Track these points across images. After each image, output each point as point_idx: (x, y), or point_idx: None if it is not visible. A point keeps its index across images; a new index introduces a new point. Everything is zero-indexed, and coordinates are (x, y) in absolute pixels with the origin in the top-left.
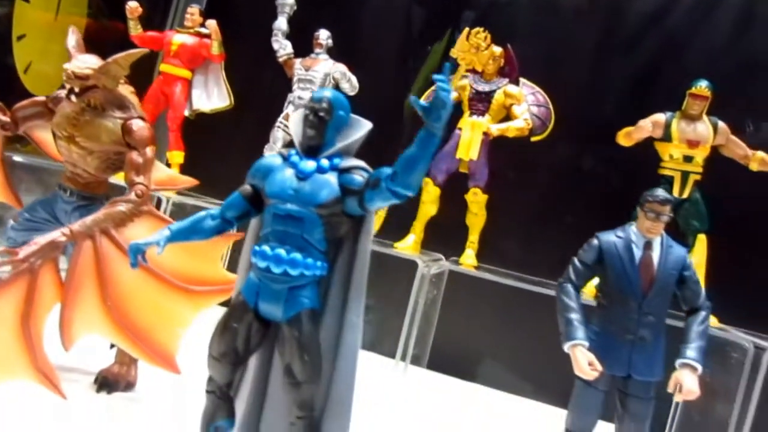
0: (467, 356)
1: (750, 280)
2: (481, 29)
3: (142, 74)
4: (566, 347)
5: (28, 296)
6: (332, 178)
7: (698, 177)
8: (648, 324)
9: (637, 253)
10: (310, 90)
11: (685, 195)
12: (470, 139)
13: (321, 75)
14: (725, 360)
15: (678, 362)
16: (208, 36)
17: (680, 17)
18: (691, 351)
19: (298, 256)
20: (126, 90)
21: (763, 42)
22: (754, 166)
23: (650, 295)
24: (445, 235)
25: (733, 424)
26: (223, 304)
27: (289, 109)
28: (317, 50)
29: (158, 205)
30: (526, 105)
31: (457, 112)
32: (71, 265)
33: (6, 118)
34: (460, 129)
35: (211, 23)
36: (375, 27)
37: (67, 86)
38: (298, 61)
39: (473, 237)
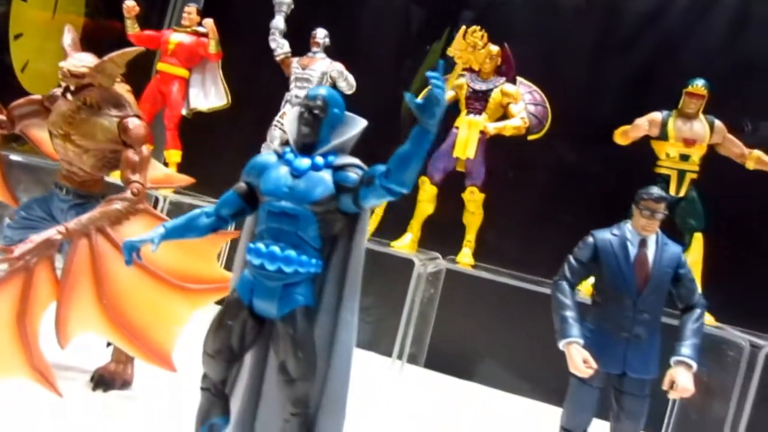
0: (464, 355)
1: (746, 278)
2: (478, 28)
3: (139, 73)
4: (561, 345)
5: (23, 294)
6: (327, 175)
7: (695, 176)
8: (643, 321)
9: (633, 250)
10: (307, 89)
11: (681, 194)
12: (467, 137)
13: (318, 74)
14: (721, 358)
15: (673, 360)
16: (205, 35)
17: (677, 17)
18: (686, 348)
19: (292, 253)
20: (122, 88)
21: (759, 42)
22: (750, 165)
23: (645, 292)
24: (443, 234)
25: (729, 422)
26: (219, 302)
27: (286, 108)
28: (314, 49)
29: (155, 204)
30: (523, 104)
31: (454, 110)
32: (67, 263)
33: (2, 117)
34: (457, 128)
35: (208, 22)
36: (372, 26)
37: (63, 84)
38: (295, 60)
39: (470, 236)
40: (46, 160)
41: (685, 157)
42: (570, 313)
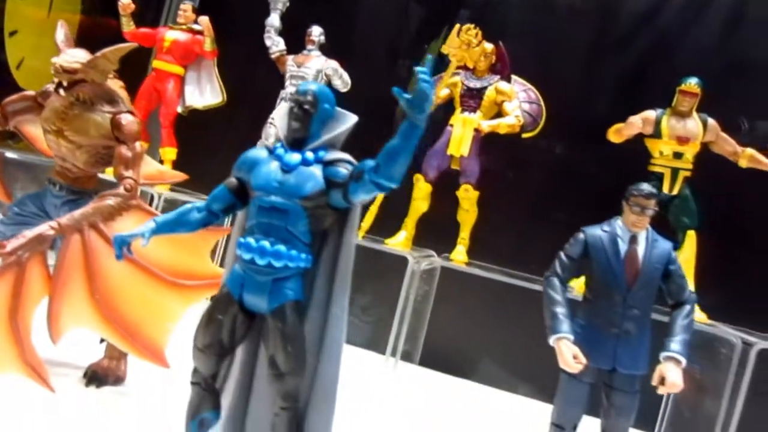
0: (459, 353)
1: (739, 276)
2: (472, 26)
3: (135, 70)
4: (551, 340)
5: (15, 289)
6: (317, 170)
7: (688, 174)
8: (633, 317)
9: (623, 247)
10: None
11: (675, 192)
12: (461, 135)
13: (313, 71)
14: (714, 355)
15: (662, 355)
16: (200, 32)
17: (671, 16)
18: (676, 344)
19: (282, 248)
20: (115, 84)
21: (753, 41)
22: (743, 163)
23: (635, 288)
24: (438, 231)
25: (720, 419)
26: (212, 298)
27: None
28: (309, 47)
29: (150, 202)
30: (517, 102)
31: (449, 108)
32: (59, 258)
33: None
34: (451, 125)
35: (204, 20)
36: (368, 24)
37: (56, 80)
38: (290, 58)
39: (464, 233)
40: (42, 158)
41: (678, 155)
42: (560, 309)
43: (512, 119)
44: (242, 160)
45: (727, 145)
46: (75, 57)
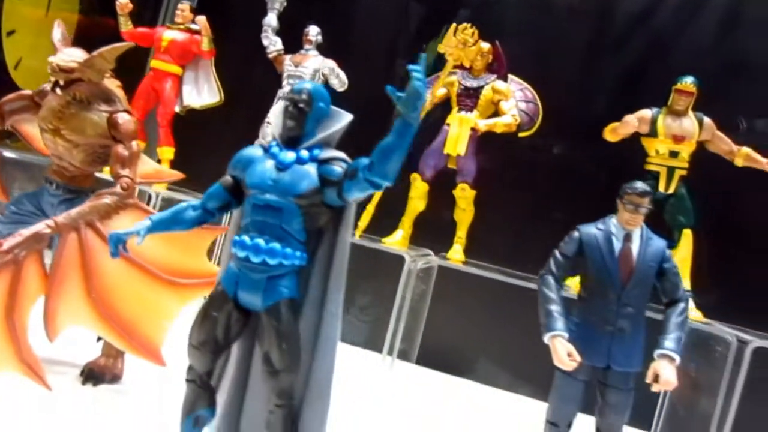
0: (456, 352)
1: (735, 274)
2: (469, 25)
3: (132, 70)
4: (546, 338)
5: (12, 288)
6: (312, 168)
7: (684, 172)
8: (627, 315)
9: (617, 245)
10: None
11: (671, 190)
12: (458, 134)
13: (310, 71)
14: (710, 354)
15: (656, 353)
16: (198, 32)
17: (667, 16)
18: (669, 342)
19: (276, 245)
20: (112, 84)
21: (749, 41)
22: (739, 162)
23: (629, 286)
24: (435, 231)
25: (716, 417)
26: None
27: None
28: (307, 46)
29: (148, 201)
30: (514, 101)
31: (446, 107)
32: (56, 256)
33: None
34: (448, 124)
35: (201, 19)
36: (365, 23)
37: (53, 79)
38: (287, 58)
39: (461, 232)
40: (39, 157)
41: (674, 154)
42: (555, 307)
43: (509, 118)
44: (237, 159)
45: (722, 144)
46: (72, 56)
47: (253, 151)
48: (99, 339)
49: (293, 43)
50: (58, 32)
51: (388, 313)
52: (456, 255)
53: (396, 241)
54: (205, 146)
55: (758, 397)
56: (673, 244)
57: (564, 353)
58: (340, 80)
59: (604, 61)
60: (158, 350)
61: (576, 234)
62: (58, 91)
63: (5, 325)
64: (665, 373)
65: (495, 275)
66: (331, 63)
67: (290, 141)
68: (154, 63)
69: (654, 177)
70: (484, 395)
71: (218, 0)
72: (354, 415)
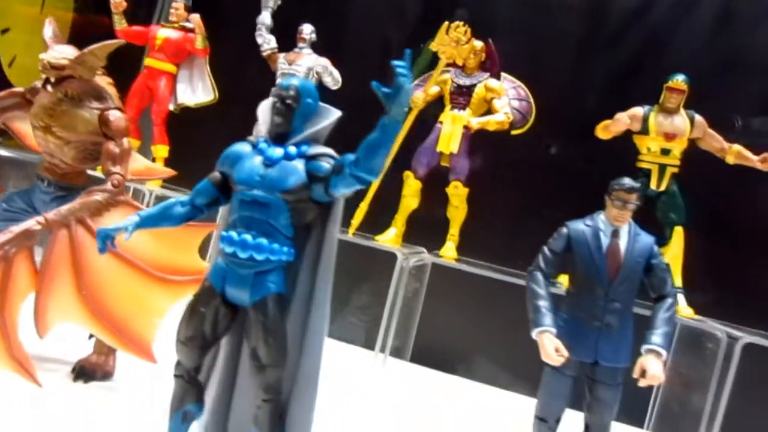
0: (450, 349)
1: (726, 272)
2: (461, 23)
3: (127, 68)
4: (534, 334)
5: (2, 285)
6: (299, 164)
7: (675, 170)
8: (614, 311)
9: (605, 240)
10: None
11: (662, 188)
12: (451, 132)
13: (304, 69)
14: (700, 350)
15: (643, 348)
16: (192, 30)
17: (661, 14)
18: (657, 337)
19: (264, 241)
20: (104, 81)
21: (740, 39)
22: (730, 160)
23: (616, 282)
24: (429, 229)
25: (706, 412)
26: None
27: None
28: (300, 44)
29: (141, 199)
30: (506, 99)
31: (439, 105)
32: (46, 253)
33: None
34: (441, 122)
35: (195, 17)
36: (360, 22)
37: (44, 76)
38: (281, 56)
39: (454, 230)
40: (35, 155)
41: (666, 152)
42: (543, 303)
43: (501, 116)
44: (226, 155)
45: (714, 142)
46: (62, 53)
47: (242, 147)
48: (91, 336)
49: (287, 41)
50: (49, 29)
51: (380, 310)
52: (449, 252)
53: (389, 239)
54: (200, 144)
55: (748, 393)
56: (664, 241)
57: (551, 348)
58: (333, 78)
59: (597, 59)
60: (149, 347)
61: (564, 230)
62: (49, 88)
63: None
64: (652, 368)
65: (488, 272)
66: (324, 61)
67: (278, 137)
68: (148, 61)
69: (646, 174)
70: (476, 392)
71: None
72: (344, 412)
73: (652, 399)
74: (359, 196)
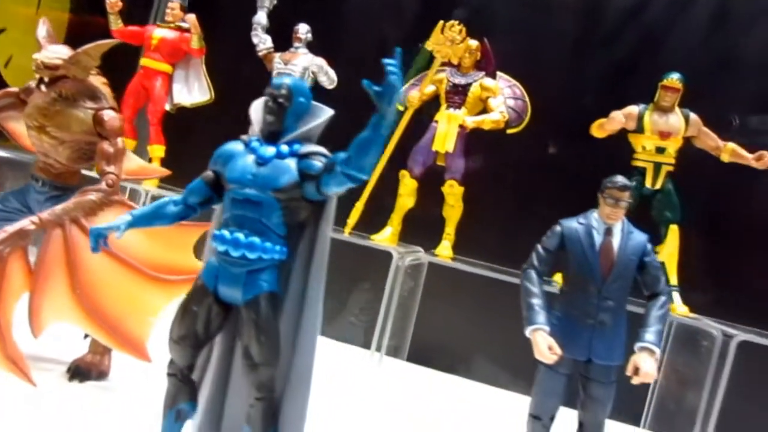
0: (447, 348)
1: (721, 270)
2: (456, 22)
3: (123, 69)
4: (527, 332)
5: None
6: (292, 163)
7: (671, 168)
8: (608, 308)
9: (598, 238)
10: None
11: (657, 186)
12: (446, 131)
13: (300, 69)
14: (696, 348)
15: (636, 346)
16: (188, 30)
17: (656, 13)
18: (650, 335)
19: (256, 240)
20: (98, 81)
21: (735, 38)
22: (725, 158)
23: (609, 280)
24: (426, 228)
25: (702, 410)
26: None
27: None
28: (296, 44)
29: (138, 199)
30: (502, 98)
31: (435, 104)
32: (40, 253)
33: None
34: (436, 121)
35: (190, 17)
36: (356, 21)
37: (38, 76)
38: (277, 55)
39: (449, 229)
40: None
41: (660, 150)
42: (536, 301)
43: (497, 115)
44: (218, 154)
45: (709, 140)
46: (56, 53)
47: (234, 146)
48: (86, 336)
49: (283, 41)
50: (43, 29)
51: (372, 308)
52: (444, 251)
53: (385, 238)
54: (196, 144)
55: (743, 390)
56: (659, 239)
57: (545, 346)
58: (329, 78)
59: (592, 58)
60: (144, 346)
61: (558, 228)
62: (43, 88)
63: None
64: (645, 365)
65: (484, 271)
66: (320, 61)
67: (270, 136)
68: (144, 61)
69: (641, 173)
70: (473, 391)
71: None
72: (340, 412)
73: (649, 397)
74: (355, 195)
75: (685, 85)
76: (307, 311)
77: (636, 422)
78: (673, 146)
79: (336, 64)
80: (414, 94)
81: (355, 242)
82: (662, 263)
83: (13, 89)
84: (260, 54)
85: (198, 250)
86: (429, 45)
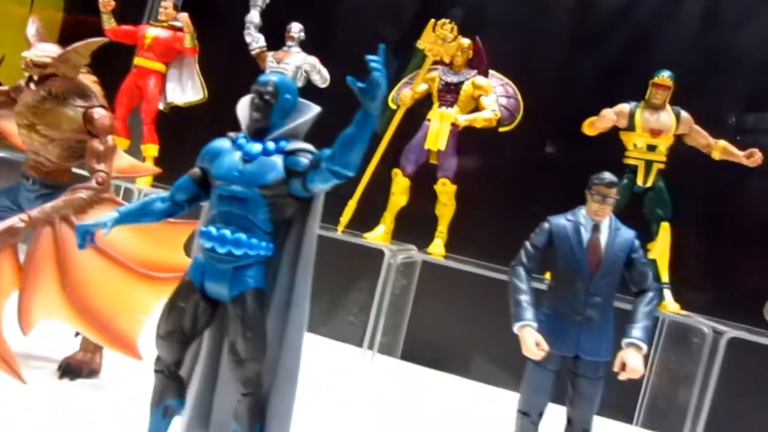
0: (440, 346)
1: (712, 267)
2: (448, 21)
3: (116, 68)
4: (515, 328)
5: None
6: (278, 160)
7: (662, 166)
8: (595, 305)
9: (586, 235)
10: None
11: (649, 184)
12: (438, 129)
13: (292, 67)
14: (687, 345)
15: (624, 342)
16: (181, 29)
17: (648, 11)
18: (637, 331)
19: (242, 236)
20: (88, 79)
21: (727, 36)
22: (716, 155)
23: (597, 276)
24: (418, 226)
25: (692, 406)
26: None
27: None
28: (289, 43)
29: (131, 198)
30: (494, 96)
31: (427, 103)
32: (30, 250)
33: None
34: (428, 120)
35: (183, 16)
36: (349, 20)
37: (27, 74)
38: (270, 54)
39: (442, 227)
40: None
41: (651, 148)
42: (524, 297)
43: (489, 113)
44: (206, 151)
45: (700, 138)
46: (45, 51)
47: (221, 143)
48: (77, 334)
49: (276, 39)
50: (32, 28)
51: (366, 306)
52: (437, 249)
53: (378, 236)
54: (189, 143)
55: (733, 387)
56: (651, 237)
57: (532, 343)
58: (321, 77)
59: (584, 56)
60: (134, 344)
61: (546, 225)
62: (32, 86)
63: None
64: (632, 361)
65: (476, 269)
66: (313, 59)
67: (257, 133)
68: (137, 60)
69: (632, 170)
70: (465, 388)
71: None
72: (332, 410)
73: (641, 394)
74: (348, 193)
75: (676, 82)
76: (294, 308)
77: (629, 420)
78: (664, 144)
79: (329, 63)
80: (406, 92)
81: (348, 240)
82: (652, 260)
83: (3, 88)
84: (253, 53)
85: (188, 247)
86: (420, 43)
